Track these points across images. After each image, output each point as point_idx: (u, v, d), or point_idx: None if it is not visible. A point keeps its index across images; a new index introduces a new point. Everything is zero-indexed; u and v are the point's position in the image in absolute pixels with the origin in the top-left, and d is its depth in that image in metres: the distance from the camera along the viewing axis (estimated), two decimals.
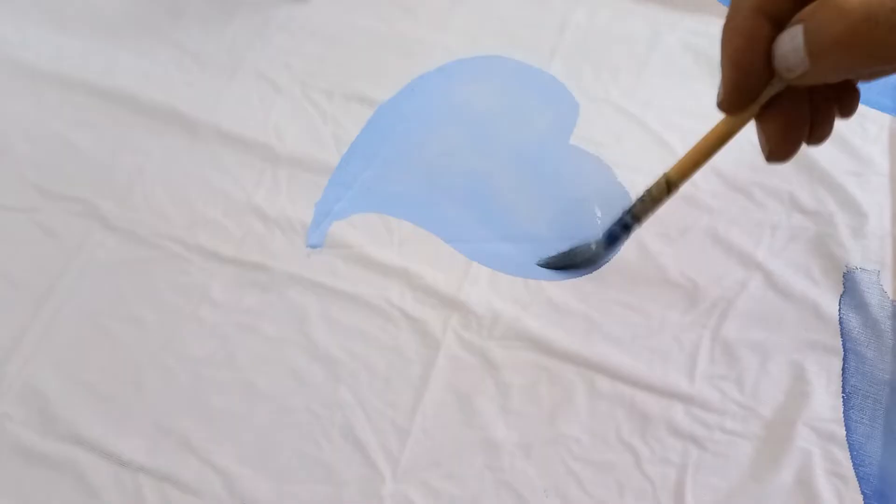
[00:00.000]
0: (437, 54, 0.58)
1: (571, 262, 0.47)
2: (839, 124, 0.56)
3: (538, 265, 0.48)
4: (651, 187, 0.38)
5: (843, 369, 0.47)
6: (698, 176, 0.53)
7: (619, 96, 0.57)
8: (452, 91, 0.53)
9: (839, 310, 0.49)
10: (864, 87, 0.57)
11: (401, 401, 0.45)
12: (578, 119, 0.55)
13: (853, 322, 0.48)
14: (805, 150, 0.54)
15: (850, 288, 0.50)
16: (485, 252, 0.49)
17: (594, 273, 0.49)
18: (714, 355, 0.47)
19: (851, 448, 0.44)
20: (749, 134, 0.56)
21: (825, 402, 0.46)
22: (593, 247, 0.45)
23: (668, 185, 0.37)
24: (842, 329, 0.48)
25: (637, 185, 0.53)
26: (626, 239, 0.43)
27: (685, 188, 0.53)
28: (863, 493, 0.43)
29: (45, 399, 0.44)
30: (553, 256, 0.48)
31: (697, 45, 0.60)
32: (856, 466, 0.44)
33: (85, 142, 0.53)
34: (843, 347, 0.48)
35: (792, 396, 0.46)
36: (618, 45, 0.60)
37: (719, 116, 0.57)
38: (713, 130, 0.34)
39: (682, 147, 0.55)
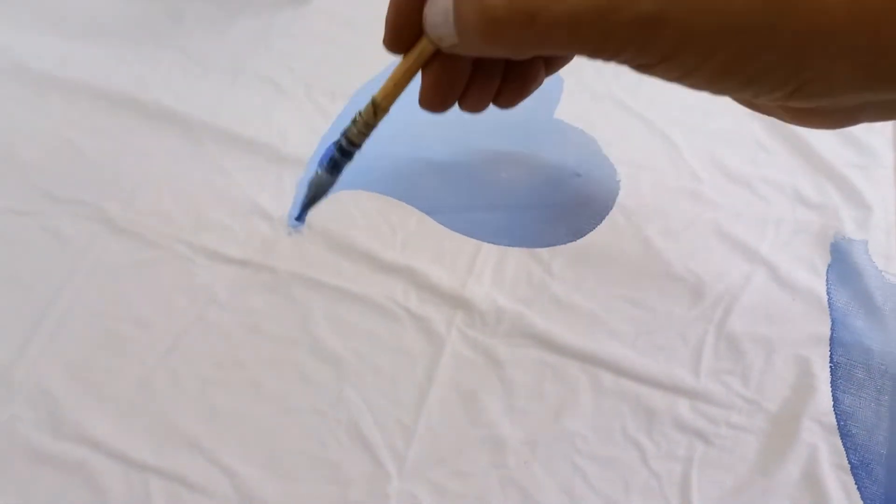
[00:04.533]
0: None
1: (310, 198, 0.45)
2: None
3: (295, 220, 0.49)
4: (361, 110, 0.38)
5: (831, 339, 0.47)
6: (701, 170, 0.54)
7: (622, 93, 0.57)
8: None
9: (826, 280, 0.48)
10: None
11: (406, 399, 0.45)
12: (563, 93, 0.55)
13: (841, 293, 0.48)
14: (809, 142, 0.54)
15: (837, 259, 0.49)
16: (462, 221, 0.50)
17: (598, 268, 0.49)
18: (719, 350, 0.47)
19: (838, 418, 0.44)
20: (752, 129, 0.56)
21: (831, 395, 0.45)
22: (319, 172, 0.43)
23: (374, 108, 0.37)
24: (829, 299, 0.48)
25: (642, 181, 0.53)
26: (348, 163, 0.41)
27: (688, 183, 0.53)
28: (849, 462, 0.43)
29: (54, 401, 0.44)
30: (301, 204, 0.47)
31: None
32: (843, 436, 0.44)
33: (90, 146, 0.53)
34: (831, 318, 0.48)
35: (798, 390, 0.46)
36: None
37: (722, 112, 0.57)
38: (404, 59, 0.35)
39: (685, 142, 0.55)
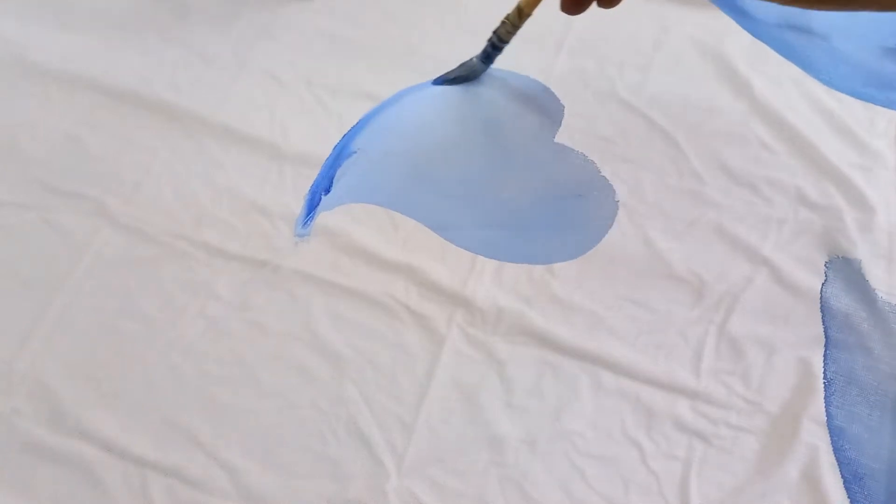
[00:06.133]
0: (442, 50, 0.58)
1: (459, 76, 0.53)
2: (848, 118, 0.56)
3: (433, 83, 0.54)
4: (509, 14, 0.48)
5: (825, 357, 0.47)
6: (704, 171, 0.53)
7: (625, 91, 0.57)
8: (443, 95, 0.55)
9: (821, 297, 0.48)
10: (868, 84, 0.57)
11: (406, 396, 0.45)
12: (563, 119, 0.55)
13: (837, 309, 0.48)
14: (812, 143, 0.54)
15: (832, 276, 0.49)
16: (467, 237, 0.50)
17: (599, 268, 0.49)
18: (720, 350, 0.47)
19: (832, 433, 0.44)
20: (755, 129, 0.56)
21: (825, 412, 0.45)
22: (474, 61, 0.52)
23: (519, 12, 0.47)
24: (824, 316, 0.48)
25: (644, 181, 0.53)
26: (498, 55, 0.50)
27: (690, 183, 0.53)
28: (843, 476, 0.43)
29: (54, 395, 0.44)
30: (445, 75, 0.54)
31: (704, 40, 0.60)
32: (836, 451, 0.44)
33: (92, 140, 0.53)
34: (825, 335, 0.47)
35: (798, 391, 0.46)
36: (624, 40, 0.60)
37: (725, 112, 0.57)
38: None
39: (688, 141, 0.55)
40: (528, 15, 0.47)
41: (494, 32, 0.49)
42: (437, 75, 0.53)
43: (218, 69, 0.57)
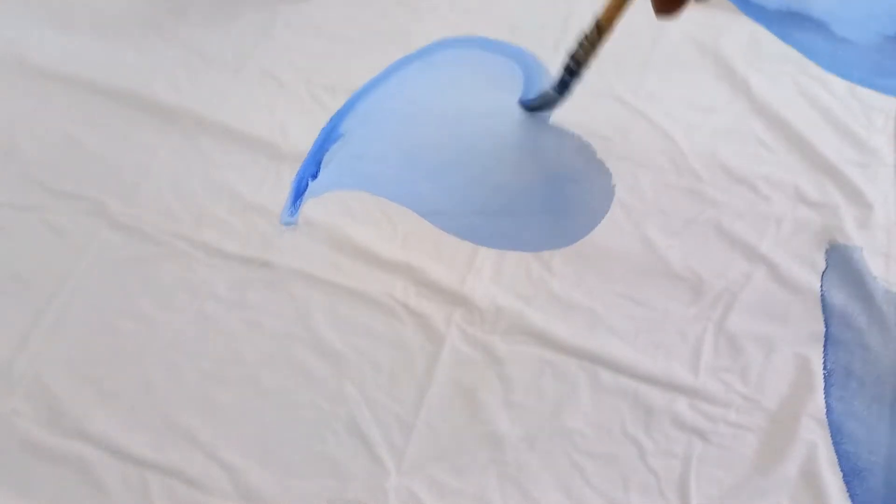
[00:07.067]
0: None
1: (539, 105, 0.52)
2: (846, 115, 0.56)
3: (520, 103, 0.52)
4: (587, 33, 0.43)
5: (825, 347, 0.47)
6: (703, 169, 0.54)
7: (623, 90, 0.57)
8: (432, 75, 0.53)
9: (821, 287, 0.48)
10: (867, 70, 0.56)
11: (405, 395, 0.45)
12: (562, 119, 0.55)
13: (836, 300, 0.48)
14: (810, 140, 0.54)
15: (832, 265, 0.49)
16: (459, 225, 0.50)
17: (597, 266, 0.49)
18: (718, 348, 0.47)
19: (831, 425, 0.44)
20: (753, 127, 0.56)
21: (824, 403, 0.45)
22: (551, 92, 0.49)
23: (598, 30, 0.42)
24: (824, 307, 0.48)
25: (642, 179, 0.53)
26: (577, 82, 0.47)
27: (688, 181, 0.53)
28: (842, 470, 0.43)
29: (54, 395, 0.44)
30: (529, 100, 0.52)
31: (702, 38, 0.60)
32: (835, 444, 0.44)
33: (91, 141, 0.53)
34: (826, 325, 0.47)
35: (796, 388, 0.46)
36: (622, 38, 0.60)
37: (723, 110, 0.57)
38: None
39: (686, 139, 0.55)
40: (608, 31, 0.42)
41: (571, 56, 0.44)
42: (414, 72, 0.53)
43: (217, 69, 0.57)
